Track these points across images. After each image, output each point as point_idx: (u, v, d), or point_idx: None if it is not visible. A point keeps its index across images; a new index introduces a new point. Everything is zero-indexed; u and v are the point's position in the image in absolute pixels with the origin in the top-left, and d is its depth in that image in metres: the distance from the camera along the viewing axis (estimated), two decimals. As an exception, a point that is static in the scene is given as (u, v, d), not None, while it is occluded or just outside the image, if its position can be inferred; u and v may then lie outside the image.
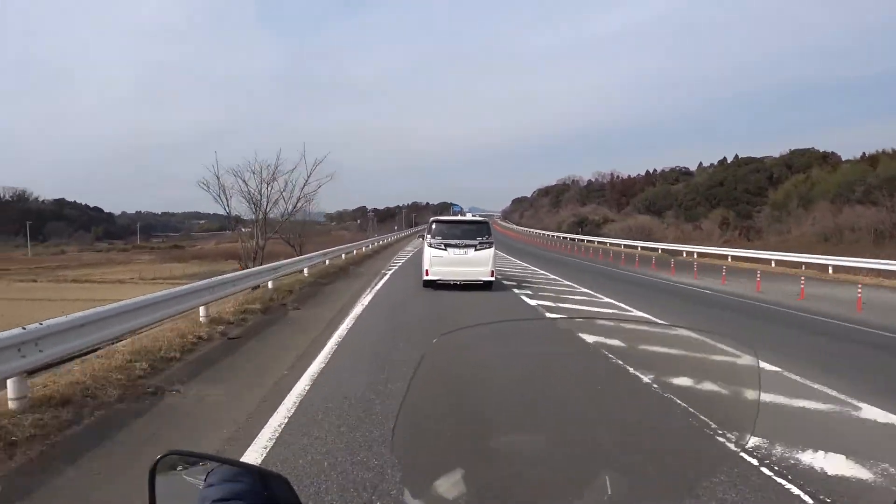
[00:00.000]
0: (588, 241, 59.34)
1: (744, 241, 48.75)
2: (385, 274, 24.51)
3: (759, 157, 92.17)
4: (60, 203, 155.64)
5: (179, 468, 1.21)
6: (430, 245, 17.51)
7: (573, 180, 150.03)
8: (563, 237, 67.02)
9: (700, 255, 41.22)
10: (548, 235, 76.28)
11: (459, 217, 22.30)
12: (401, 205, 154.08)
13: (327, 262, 27.68)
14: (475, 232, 17.81)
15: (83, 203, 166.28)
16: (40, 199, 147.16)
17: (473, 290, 17.43)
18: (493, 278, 17.75)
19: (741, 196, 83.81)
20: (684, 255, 43.46)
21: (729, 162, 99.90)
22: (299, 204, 36.34)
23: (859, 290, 17.87)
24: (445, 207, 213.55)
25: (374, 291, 17.63)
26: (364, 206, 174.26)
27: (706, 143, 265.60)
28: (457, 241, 17.37)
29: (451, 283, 17.38)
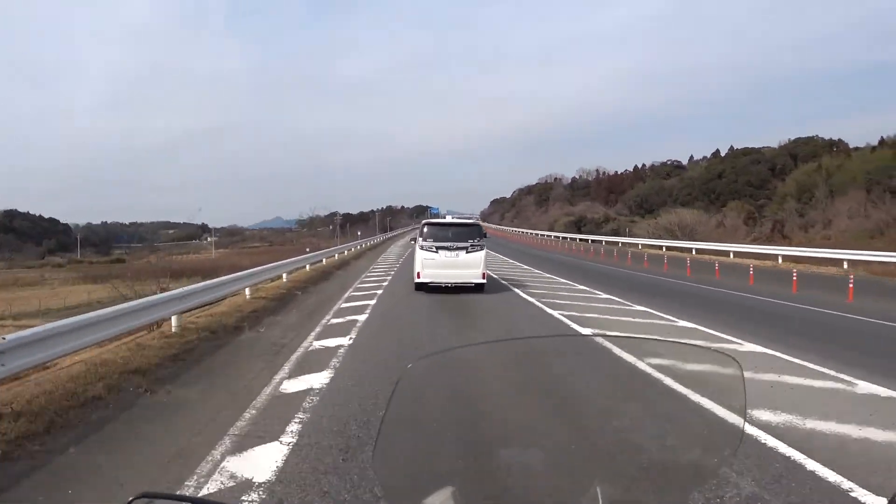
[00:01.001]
0: (593, 240, 52.70)
1: (777, 238, 42.42)
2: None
3: (757, 147, 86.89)
4: (10, 214, 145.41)
5: None
6: (422, 247, 17.53)
7: (556, 178, 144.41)
8: (559, 237, 60.50)
9: (737, 254, 34.93)
10: (539, 235, 69.86)
11: (451, 219, 20.99)
12: (375, 209, 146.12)
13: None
14: (467, 234, 17.78)
15: (37, 214, 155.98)
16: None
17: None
18: (484, 280, 17.61)
19: (743, 189, 78.23)
20: (705, 255, 37.24)
21: (724, 154, 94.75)
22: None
23: None
24: (421, 211, 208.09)
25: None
26: (336, 212, 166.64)
27: (691, 137, 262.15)
28: (448, 244, 17.39)
29: (443, 285, 17.27)
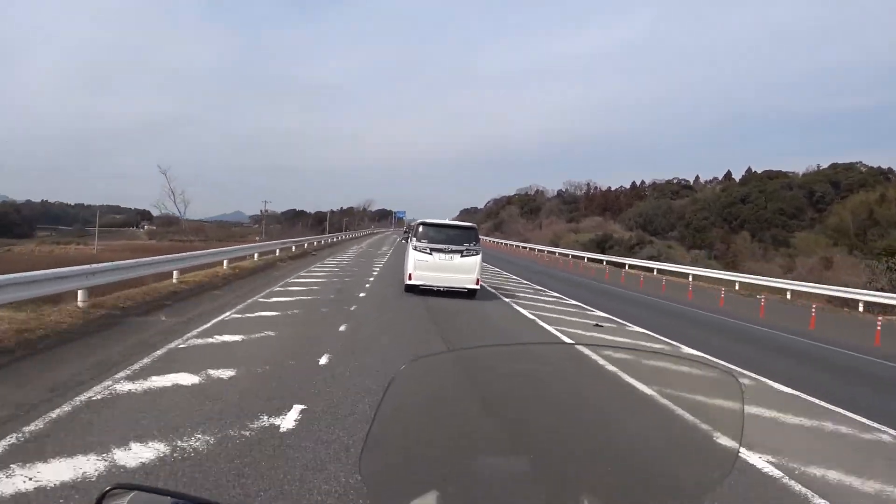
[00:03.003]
0: (632, 266, 39.56)
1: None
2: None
3: (784, 171, 75.92)
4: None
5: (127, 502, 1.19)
6: (416, 248, 16.94)
7: (538, 190, 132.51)
8: (569, 255, 47.43)
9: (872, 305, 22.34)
10: (538, 251, 56.97)
11: (447, 221, 19.90)
12: (334, 209, 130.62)
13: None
14: (463, 237, 17.19)
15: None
16: None
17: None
18: (478, 286, 17.02)
19: (774, 218, 66.91)
20: (804, 299, 24.88)
21: (740, 176, 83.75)
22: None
23: None
24: (385, 215, 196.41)
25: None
26: (294, 209, 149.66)
27: (665, 160, 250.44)
28: (443, 246, 16.83)
29: (435, 288, 16.63)
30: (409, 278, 16.81)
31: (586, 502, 1.38)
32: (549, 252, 54.06)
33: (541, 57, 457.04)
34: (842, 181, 66.84)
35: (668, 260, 42.03)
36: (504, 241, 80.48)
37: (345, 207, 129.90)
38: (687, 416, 1.79)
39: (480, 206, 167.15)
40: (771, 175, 74.75)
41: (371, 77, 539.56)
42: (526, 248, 64.49)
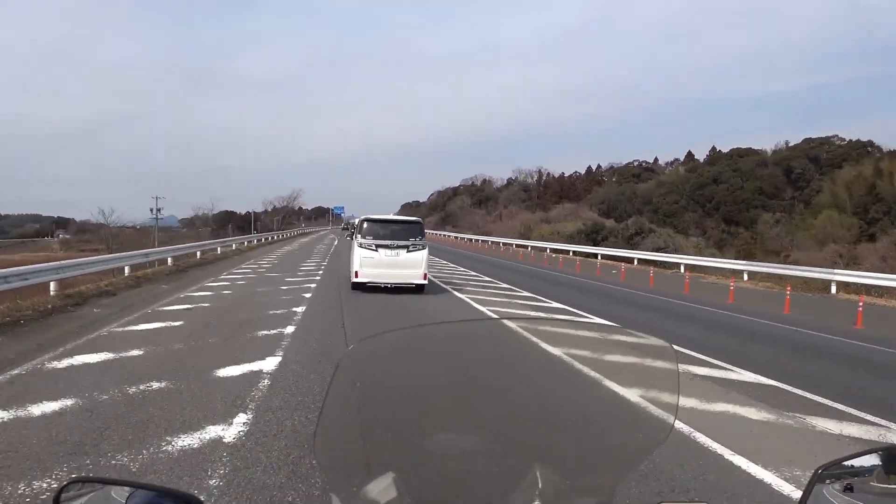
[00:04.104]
0: (641, 260, 32.65)
1: None
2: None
3: (754, 148, 71.32)
4: None
5: (86, 497, 1.20)
6: (361, 245, 16.72)
7: (484, 180, 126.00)
8: (547, 249, 40.38)
9: None
10: (503, 245, 49.82)
11: (392, 216, 20.31)
12: (269, 209, 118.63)
13: None
14: (408, 232, 17.15)
15: None
16: None
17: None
18: (426, 281, 16.99)
19: (753, 198, 61.91)
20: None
21: (704, 156, 79.02)
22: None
23: None
24: (323, 212, 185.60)
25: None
26: (226, 210, 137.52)
27: (625, 144, 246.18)
28: (389, 242, 16.74)
29: (382, 285, 16.49)
30: (356, 276, 16.62)
31: (538, 472, 1.40)
32: (518, 246, 46.92)
33: (478, 43, 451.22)
34: (820, 156, 62.48)
35: (676, 251, 35.55)
36: (457, 235, 73.17)
37: (278, 206, 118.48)
38: (626, 383, 1.89)
39: (423, 199, 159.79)
40: (740, 153, 69.91)
41: (308, 71, 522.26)
42: (486, 242, 57.36)
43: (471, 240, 63.36)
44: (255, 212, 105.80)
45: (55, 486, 3.88)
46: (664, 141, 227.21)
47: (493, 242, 56.66)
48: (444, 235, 77.03)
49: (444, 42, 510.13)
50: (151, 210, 73.47)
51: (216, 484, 4.10)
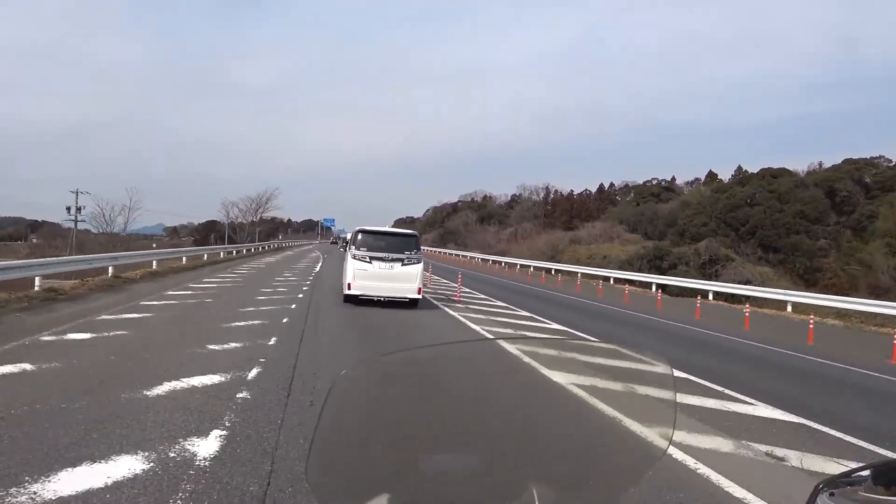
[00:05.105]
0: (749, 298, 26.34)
1: None
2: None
3: (790, 168, 65.93)
4: None
5: None
6: (354, 256, 16.30)
7: (486, 196, 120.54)
8: (609, 276, 33.53)
9: None
10: (531, 270, 43.42)
11: (387, 228, 19.50)
12: (255, 219, 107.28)
13: None
14: (403, 245, 16.78)
15: None
16: None
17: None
18: (419, 296, 16.59)
19: (795, 223, 56.24)
20: None
21: (733, 175, 73.61)
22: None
23: None
24: (312, 225, 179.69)
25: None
26: (214, 220, 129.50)
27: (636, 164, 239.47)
28: (383, 255, 16.28)
29: (375, 299, 16.03)
30: (349, 288, 16.22)
31: (535, 492, 1.39)
32: (541, 269, 40.63)
33: (479, 59, 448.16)
34: (865, 178, 57.12)
35: (766, 283, 29.39)
36: (464, 254, 66.99)
37: (265, 217, 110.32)
38: (621, 404, 1.86)
39: (417, 214, 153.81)
40: (773, 173, 64.43)
41: (304, 80, 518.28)
42: (499, 263, 51.13)
43: (484, 260, 57.04)
44: (252, 220, 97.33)
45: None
46: (673, 160, 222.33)
47: (507, 264, 50.55)
48: (449, 254, 70.77)
49: (440, 58, 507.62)
50: (69, 209, 60.53)
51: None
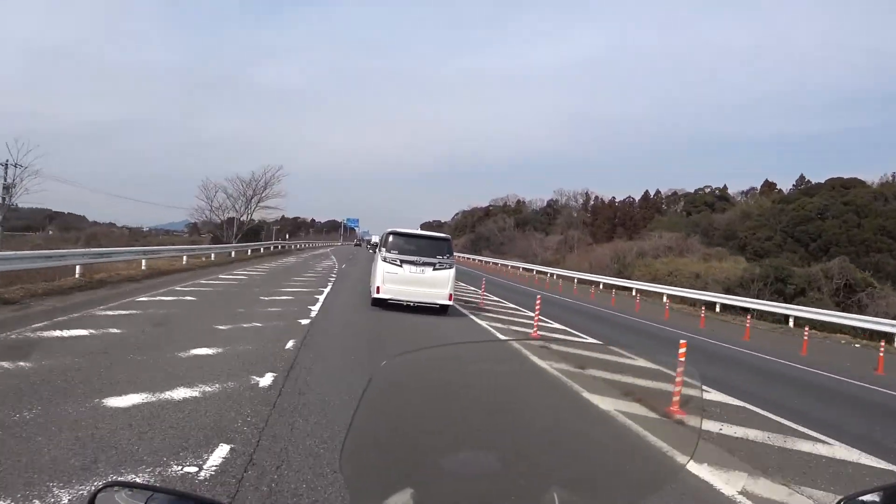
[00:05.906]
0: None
1: None
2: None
3: (859, 179, 60.31)
4: None
5: (122, 499, 1.21)
6: (385, 259, 15.95)
7: (518, 201, 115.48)
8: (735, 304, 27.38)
9: None
10: (635, 293, 38.52)
11: (419, 231, 19.15)
12: (249, 210, 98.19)
13: None
14: (435, 249, 16.28)
15: None
16: None
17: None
18: (451, 302, 16.23)
19: (876, 239, 50.73)
20: None
21: (794, 186, 68.11)
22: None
23: None
24: (335, 226, 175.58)
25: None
26: (233, 218, 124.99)
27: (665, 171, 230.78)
28: (414, 258, 15.91)
29: (404, 303, 15.81)
30: (378, 291, 15.93)
31: (556, 495, 1.40)
32: (605, 286, 35.63)
33: (513, 66, 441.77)
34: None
35: None
36: (504, 263, 62.14)
37: (298, 218, 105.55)
38: (642, 417, 1.85)
39: (445, 219, 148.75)
40: (844, 184, 58.88)
41: (328, 84, 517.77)
42: (549, 274, 46.30)
43: (527, 270, 52.15)
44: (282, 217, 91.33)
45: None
46: (720, 168, 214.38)
47: (558, 276, 45.73)
48: (485, 262, 66.01)
49: (469, 63, 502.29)
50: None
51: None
